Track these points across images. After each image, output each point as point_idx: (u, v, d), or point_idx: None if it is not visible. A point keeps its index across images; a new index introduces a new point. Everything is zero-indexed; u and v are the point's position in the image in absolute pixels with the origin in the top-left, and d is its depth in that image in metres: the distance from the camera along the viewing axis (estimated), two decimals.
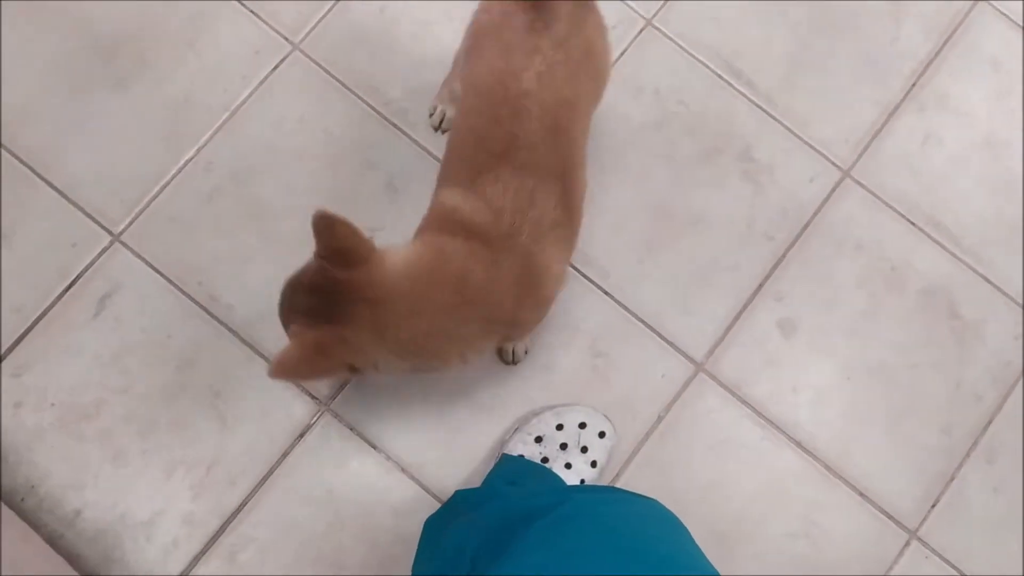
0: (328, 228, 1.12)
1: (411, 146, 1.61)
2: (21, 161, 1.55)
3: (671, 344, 1.58)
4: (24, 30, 1.60)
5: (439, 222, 1.24)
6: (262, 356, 1.52)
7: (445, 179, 1.29)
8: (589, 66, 1.32)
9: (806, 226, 1.64)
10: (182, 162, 1.57)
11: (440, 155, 1.37)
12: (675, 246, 1.62)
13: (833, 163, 1.67)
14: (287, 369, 1.11)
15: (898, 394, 1.60)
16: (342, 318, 1.12)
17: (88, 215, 1.54)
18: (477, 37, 1.34)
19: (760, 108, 1.68)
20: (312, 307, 1.14)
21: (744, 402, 1.57)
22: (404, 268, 1.17)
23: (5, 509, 1.40)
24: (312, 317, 1.13)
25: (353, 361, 1.15)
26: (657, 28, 1.70)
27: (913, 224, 1.66)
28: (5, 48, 1.58)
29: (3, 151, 1.55)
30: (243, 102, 1.60)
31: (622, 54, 1.68)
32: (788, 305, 1.61)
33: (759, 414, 1.57)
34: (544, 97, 1.25)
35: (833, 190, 1.66)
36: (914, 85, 1.71)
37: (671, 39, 1.70)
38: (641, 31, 1.69)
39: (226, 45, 1.62)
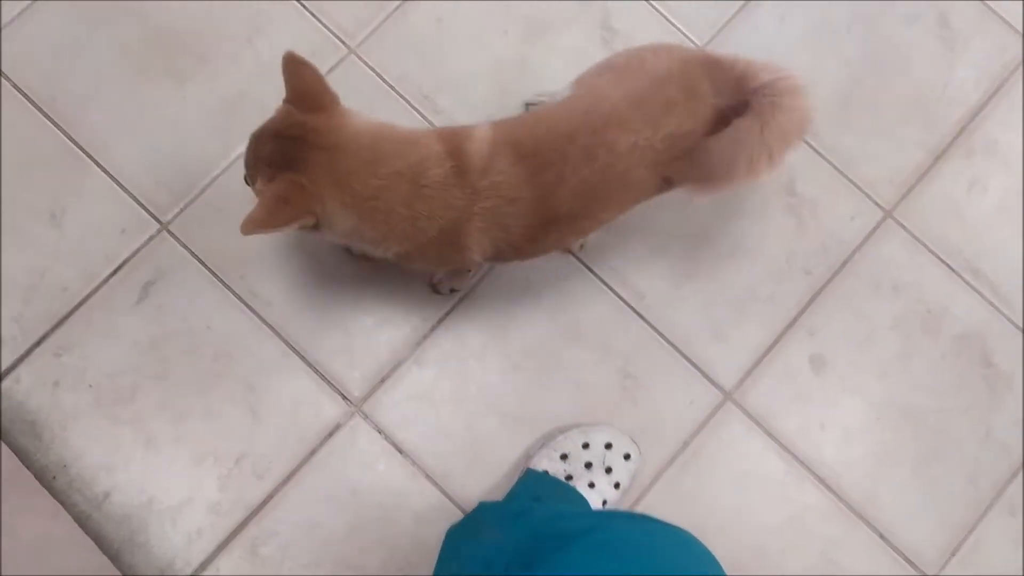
0: (296, 70, 1.18)
1: None
2: (78, 146, 1.58)
3: (701, 371, 1.59)
4: (93, 20, 1.63)
5: (447, 130, 1.29)
6: (297, 353, 1.54)
7: (496, 122, 1.31)
8: (688, 169, 1.30)
9: (845, 263, 1.64)
10: (233, 156, 1.59)
11: None
12: (713, 273, 1.63)
13: (876, 203, 1.67)
14: (255, 223, 1.15)
15: (926, 438, 1.60)
16: (302, 164, 1.17)
17: (139, 202, 1.57)
18: (630, 67, 1.35)
19: (806, 142, 1.68)
20: (275, 153, 1.18)
21: (770, 435, 1.58)
22: (369, 127, 1.22)
23: (37, 486, 1.43)
24: (274, 164, 1.18)
25: (312, 209, 1.18)
26: None
27: (952, 269, 1.66)
28: (74, 37, 1.62)
29: (63, 135, 1.58)
30: None
31: None
32: (821, 341, 1.61)
33: (785, 448, 1.57)
34: (619, 164, 1.26)
35: (874, 230, 1.66)
36: (963, 131, 1.71)
37: None
38: None
39: (283, 44, 1.62)
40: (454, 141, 1.25)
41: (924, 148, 1.70)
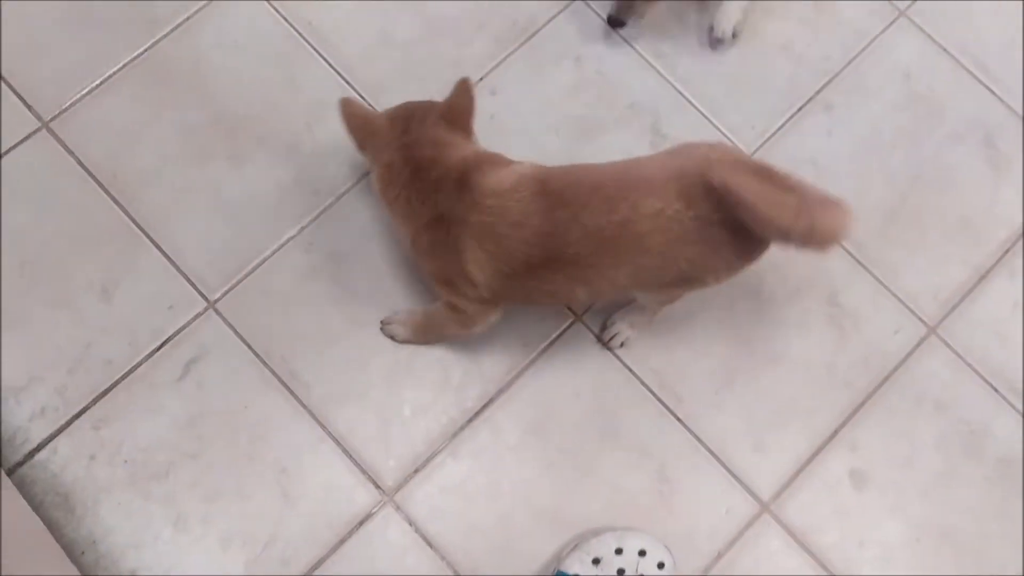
0: (464, 91, 1.44)
1: None
2: (135, 222, 1.61)
3: (739, 480, 1.56)
4: (159, 102, 1.68)
5: (491, 153, 1.45)
6: (333, 438, 1.53)
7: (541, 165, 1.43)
8: (709, 260, 1.35)
9: (887, 378, 1.63)
10: (284, 239, 1.62)
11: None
12: (753, 381, 1.61)
13: (919, 318, 1.66)
14: (354, 106, 1.47)
15: (967, 563, 1.55)
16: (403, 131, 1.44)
17: (188, 280, 1.59)
18: (681, 151, 1.39)
19: (850, 254, 1.69)
20: (409, 115, 1.45)
21: (807, 550, 1.54)
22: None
23: (65, 560, 1.42)
24: (405, 119, 1.44)
25: (368, 147, 1.47)
26: None
27: (995, 390, 1.64)
28: (140, 117, 1.67)
29: (121, 211, 1.61)
30: (348, 189, 1.66)
31: None
32: (862, 456, 1.59)
33: (822, 564, 1.53)
34: (640, 225, 1.29)
35: (917, 345, 1.65)
36: (1007, 252, 1.72)
37: None
38: None
39: (342, 134, 1.67)
40: (482, 160, 1.40)
41: (969, 266, 1.70)
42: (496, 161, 1.41)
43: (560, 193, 1.33)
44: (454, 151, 1.41)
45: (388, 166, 1.43)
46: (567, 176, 1.37)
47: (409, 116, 1.45)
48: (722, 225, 1.30)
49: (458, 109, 1.45)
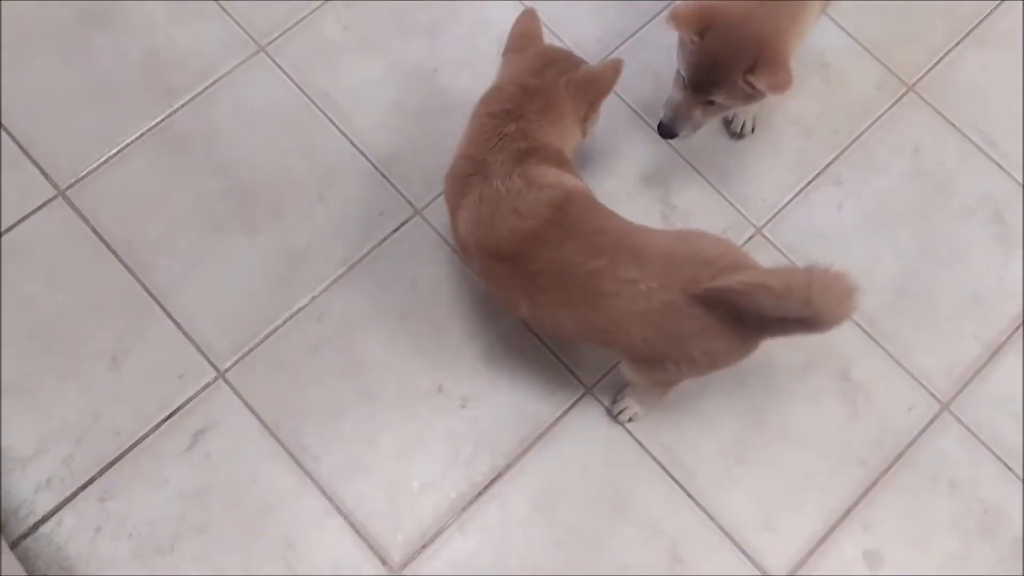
0: (612, 70, 1.48)
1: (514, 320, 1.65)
2: (147, 290, 1.61)
3: (752, 560, 1.54)
4: (174, 172, 1.70)
5: (566, 166, 1.48)
6: (341, 512, 1.51)
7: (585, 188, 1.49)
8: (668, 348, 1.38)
9: (900, 456, 1.61)
10: (295, 309, 1.62)
11: None
12: (765, 457, 1.60)
13: (932, 395, 1.65)
14: (526, 22, 1.53)
15: None
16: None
17: (199, 349, 1.59)
18: (688, 236, 1.43)
19: (862, 329, 1.69)
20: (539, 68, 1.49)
21: None
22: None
23: None
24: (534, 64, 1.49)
25: (504, 65, 1.53)
26: (765, 237, 1.74)
27: (1009, 468, 1.62)
28: (155, 186, 1.68)
29: (134, 279, 1.62)
30: (361, 258, 1.66)
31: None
32: (876, 535, 1.56)
33: None
34: (606, 284, 1.33)
35: (931, 423, 1.63)
36: (1018, 328, 1.71)
37: (778, 249, 1.73)
38: (751, 238, 1.73)
39: (354, 203, 1.70)
40: (554, 156, 1.44)
41: (981, 342, 1.70)
42: (562, 166, 1.45)
43: (569, 215, 1.37)
44: (547, 129, 1.45)
45: (498, 88, 1.49)
46: (588, 209, 1.41)
47: (552, 62, 1.49)
48: (696, 319, 1.30)
49: (595, 83, 1.48)
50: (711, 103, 1.55)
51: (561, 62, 1.50)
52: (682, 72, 1.55)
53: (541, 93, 1.46)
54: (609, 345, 1.43)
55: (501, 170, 1.40)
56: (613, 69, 1.49)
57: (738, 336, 1.33)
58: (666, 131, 1.61)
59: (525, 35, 1.53)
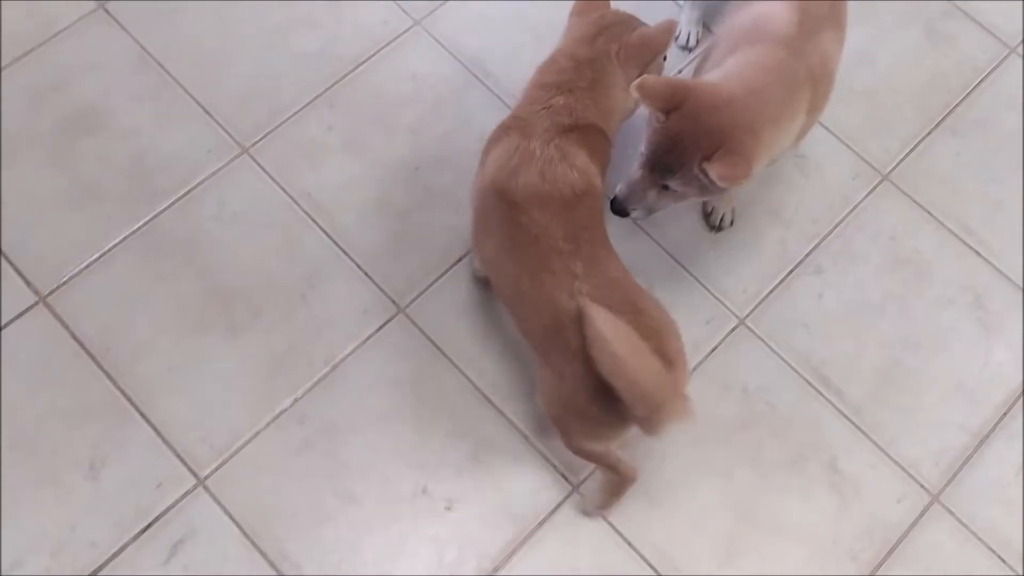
0: (664, 31, 1.56)
1: (499, 419, 1.64)
2: (126, 396, 1.59)
3: None
4: (155, 274, 1.69)
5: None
6: None
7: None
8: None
9: (892, 550, 1.58)
10: (277, 412, 1.60)
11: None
12: (757, 553, 1.57)
13: (922, 486, 1.63)
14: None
15: None
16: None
17: (178, 456, 1.56)
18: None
19: (848, 419, 1.68)
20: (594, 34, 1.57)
21: None
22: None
23: None
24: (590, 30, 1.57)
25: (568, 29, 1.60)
26: (749, 328, 1.74)
27: (1003, 561, 1.59)
28: (136, 290, 1.68)
29: (112, 385, 1.60)
30: (344, 359, 1.65)
31: (713, 351, 1.72)
32: None
33: None
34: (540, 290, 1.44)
35: (921, 515, 1.61)
36: (1005, 415, 1.71)
37: (762, 339, 1.73)
38: (733, 329, 1.74)
39: (336, 303, 1.69)
40: (596, 138, 1.52)
41: (967, 431, 1.69)
42: (594, 152, 1.50)
43: (577, 203, 1.45)
44: (592, 108, 1.51)
45: (553, 60, 1.57)
46: (594, 209, 1.48)
47: (605, 29, 1.55)
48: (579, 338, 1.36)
49: (648, 45, 1.54)
50: (665, 187, 1.48)
51: (615, 27, 1.57)
52: (641, 148, 1.49)
53: (591, 65, 1.54)
54: (517, 317, 1.50)
55: (543, 136, 1.49)
56: (667, 30, 1.56)
57: (597, 388, 1.34)
58: (618, 208, 1.55)
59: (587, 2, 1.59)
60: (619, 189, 1.55)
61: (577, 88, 1.52)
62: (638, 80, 1.41)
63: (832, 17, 1.56)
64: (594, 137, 1.52)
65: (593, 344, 1.31)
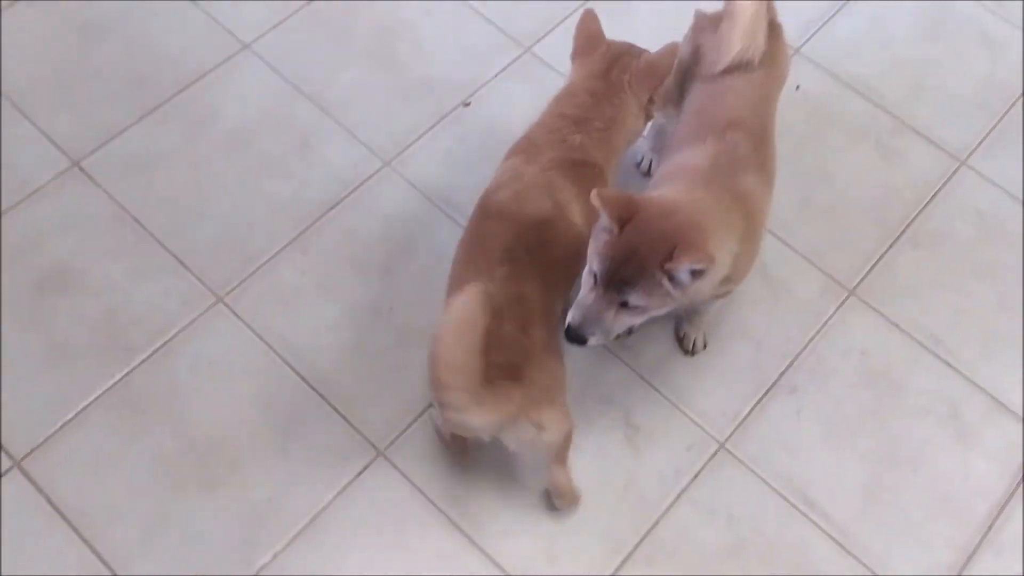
0: (668, 53, 1.66)
1: (485, 561, 1.61)
2: (103, 561, 1.56)
3: None
4: (131, 432, 1.68)
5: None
6: None
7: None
8: None
9: None
10: (257, 568, 1.57)
11: None
12: None
13: None
14: (589, 21, 1.70)
15: None
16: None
17: None
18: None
19: (835, 540, 1.66)
20: (606, 67, 1.69)
21: None
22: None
23: None
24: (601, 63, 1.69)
25: (575, 69, 1.73)
26: (729, 451, 1.74)
27: None
28: (111, 447, 1.66)
29: (88, 549, 1.57)
30: (324, 508, 1.63)
31: (696, 476, 1.71)
32: None
33: None
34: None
35: None
36: (990, 528, 1.70)
37: (743, 463, 1.73)
38: (714, 454, 1.74)
39: (316, 449, 1.68)
40: (592, 170, 1.61)
41: (953, 547, 1.67)
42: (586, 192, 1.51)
43: (539, 228, 1.53)
44: (603, 148, 1.62)
45: (572, 94, 1.66)
46: (551, 240, 1.54)
47: (615, 60, 1.65)
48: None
49: (655, 69, 1.64)
50: (625, 304, 1.42)
51: (623, 57, 1.66)
52: (593, 268, 1.43)
53: (609, 100, 1.63)
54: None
55: (544, 164, 1.58)
56: (670, 53, 1.65)
57: None
58: (575, 337, 1.45)
59: (589, 37, 1.69)
60: (571, 316, 1.46)
61: (595, 129, 1.62)
62: (595, 192, 1.38)
63: (755, 161, 1.59)
64: (589, 176, 1.59)
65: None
